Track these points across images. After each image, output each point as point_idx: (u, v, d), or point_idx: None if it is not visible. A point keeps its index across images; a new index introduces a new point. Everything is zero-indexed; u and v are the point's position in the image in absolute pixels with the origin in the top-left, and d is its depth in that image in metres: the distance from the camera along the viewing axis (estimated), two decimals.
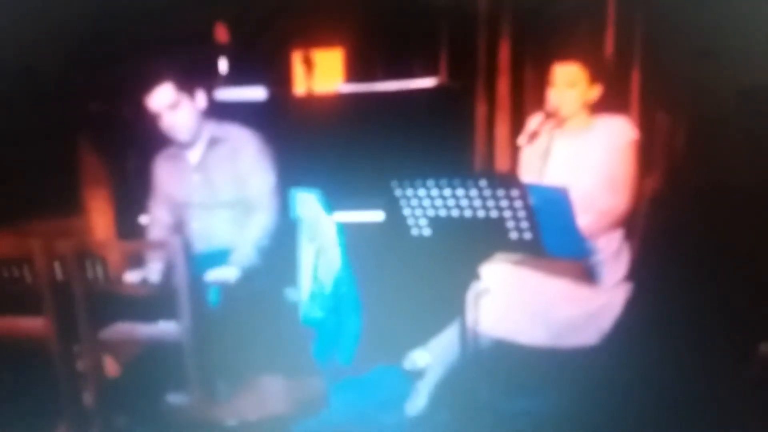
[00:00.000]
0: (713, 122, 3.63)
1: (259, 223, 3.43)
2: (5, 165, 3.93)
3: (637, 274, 3.33)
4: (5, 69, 3.90)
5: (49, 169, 4.20)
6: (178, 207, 3.62)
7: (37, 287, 2.84)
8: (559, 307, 3.15)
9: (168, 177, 3.63)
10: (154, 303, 2.85)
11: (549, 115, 3.24)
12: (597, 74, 3.29)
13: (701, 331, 3.34)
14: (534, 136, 3.20)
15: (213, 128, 3.52)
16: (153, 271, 3.34)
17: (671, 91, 3.80)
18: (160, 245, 3.35)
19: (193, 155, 3.54)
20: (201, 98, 3.47)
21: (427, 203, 2.74)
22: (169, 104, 3.38)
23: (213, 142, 3.50)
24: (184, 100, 3.40)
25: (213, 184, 3.51)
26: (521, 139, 3.23)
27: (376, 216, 4.01)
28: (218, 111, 3.60)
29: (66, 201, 4.42)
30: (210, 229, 3.54)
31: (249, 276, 3.34)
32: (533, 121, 3.32)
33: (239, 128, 3.55)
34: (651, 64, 3.89)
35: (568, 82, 3.26)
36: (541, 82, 3.38)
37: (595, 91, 3.30)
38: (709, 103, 3.62)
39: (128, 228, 4.45)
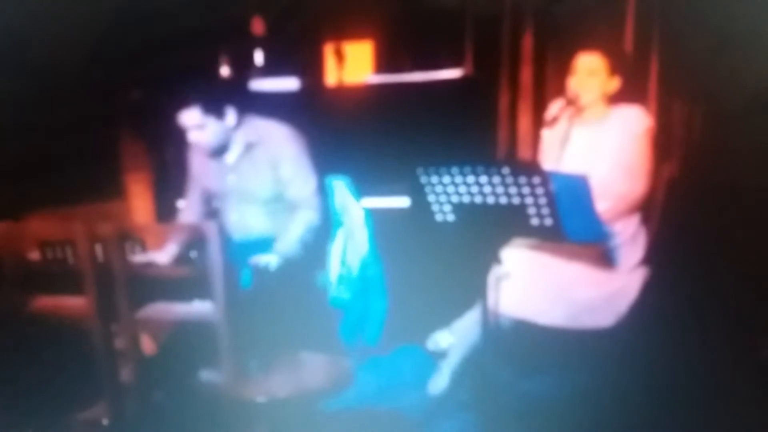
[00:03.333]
0: (731, 112, 3.56)
1: (304, 220, 3.35)
2: (51, 152, 3.94)
3: (653, 257, 3.31)
4: (50, 64, 3.91)
5: (92, 156, 4.20)
6: (214, 198, 3.56)
7: (79, 268, 2.85)
8: (577, 289, 3.15)
9: (203, 170, 3.55)
10: (190, 284, 2.85)
11: (569, 102, 3.22)
12: (617, 66, 3.28)
13: (717, 315, 3.31)
14: (554, 121, 3.18)
15: (248, 132, 3.39)
16: (165, 253, 3.32)
17: (689, 82, 3.75)
18: (197, 228, 3.26)
19: (229, 157, 3.43)
20: (231, 117, 3.35)
21: (451, 190, 2.71)
22: (195, 125, 3.30)
23: (249, 147, 3.38)
24: (211, 121, 3.30)
25: (250, 184, 3.42)
26: (543, 124, 3.26)
27: (402, 202, 3.96)
28: (253, 102, 3.56)
29: (108, 186, 4.44)
30: (247, 220, 3.47)
31: (291, 262, 3.31)
32: (554, 107, 3.31)
33: (276, 127, 3.42)
34: (670, 55, 3.84)
35: (589, 71, 3.26)
36: (563, 72, 3.37)
37: (615, 83, 3.29)
38: (727, 93, 3.54)
39: (167, 212, 4.46)
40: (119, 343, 2.91)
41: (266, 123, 3.44)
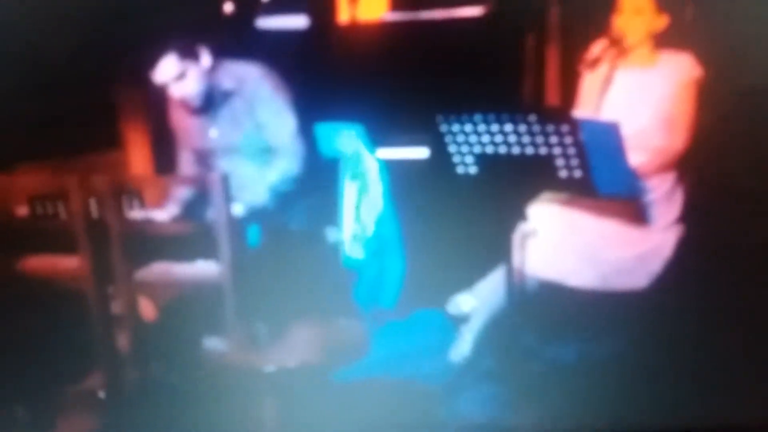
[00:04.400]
0: None
1: (279, 168, 3.45)
2: (40, 100, 3.91)
3: (689, 216, 3.39)
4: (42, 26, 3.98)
5: (85, 103, 4.13)
6: (203, 156, 3.64)
7: (72, 225, 2.93)
8: (608, 248, 3.26)
9: (185, 128, 3.66)
10: (193, 242, 2.96)
11: (613, 42, 3.32)
12: (664, 1, 3.36)
13: (754, 275, 3.37)
14: (596, 62, 3.29)
15: (224, 79, 3.51)
16: (167, 211, 3.41)
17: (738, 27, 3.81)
18: (199, 180, 3.45)
19: (208, 111, 3.56)
20: (206, 58, 3.46)
21: (474, 139, 2.83)
22: (175, 76, 3.40)
23: (224, 97, 3.50)
24: (191, 67, 3.41)
25: (233, 137, 3.52)
26: (583, 65, 3.32)
27: (421, 153, 4.02)
28: (259, 40, 3.70)
29: (102, 135, 4.36)
30: (239, 178, 3.50)
31: (287, 215, 3.40)
32: (596, 48, 3.39)
33: (251, 70, 3.52)
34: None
35: (635, 9, 3.34)
36: (598, 9, 3.43)
37: (662, 21, 3.37)
38: None
39: (167, 163, 4.55)
40: (116, 307, 2.99)
41: (240, 67, 3.54)
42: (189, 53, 3.40)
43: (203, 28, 3.77)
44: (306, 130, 3.55)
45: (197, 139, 3.61)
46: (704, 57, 3.40)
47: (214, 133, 3.55)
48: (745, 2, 3.64)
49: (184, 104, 3.53)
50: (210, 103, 3.50)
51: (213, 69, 3.47)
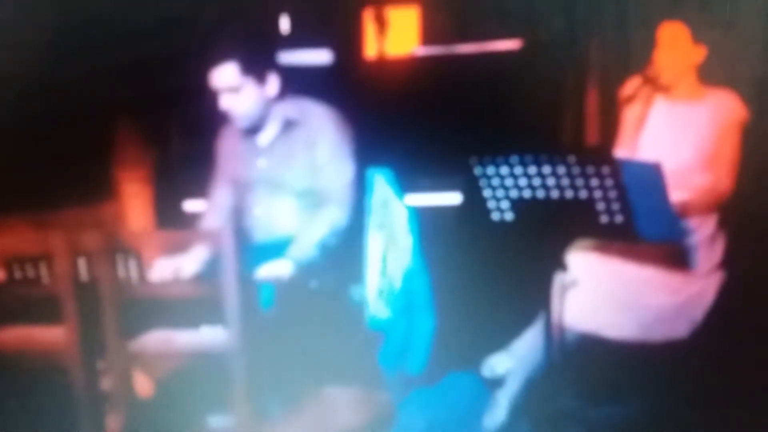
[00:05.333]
0: None
1: (329, 218, 3.47)
2: (26, 145, 3.98)
3: (732, 260, 3.47)
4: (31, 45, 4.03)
5: (76, 148, 4.18)
6: (242, 190, 3.68)
7: (57, 290, 2.86)
8: (650, 296, 3.36)
9: (232, 155, 3.70)
10: (197, 305, 2.90)
11: (647, 80, 3.46)
12: (700, 33, 3.49)
13: None
14: (630, 99, 3.44)
15: (289, 108, 3.56)
16: (191, 260, 3.38)
17: None
18: (207, 235, 3.44)
19: (263, 137, 3.59)
20: (273, 84, 3.51)
21: (510, 183, 2.91)
22: (230, 87, 3.45)
23: (288, 125, 3.55)
24: (249, 85, 3.46)
25: (282, 171, 3.56)
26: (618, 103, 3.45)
27: (453, 199, 4.05)
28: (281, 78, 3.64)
29: (95, 185, 4.40)
30: (274, 217, 3.60)
31: (308, 273, 3.38)
32: (630, 85, 3.52)
33: (318, 108, 3.58)
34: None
35: (670, 42, 3.48)
36: (640, 43, 3.61)
37: (700, 53, 3.51)
38: None
39: (169, 217, 4.56)
40: (106, 384, 2.93)
41: (308, 102, 3.61)
42: (253, 71, 3.46)
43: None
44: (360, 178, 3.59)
45: (241, 168, 3.66)
46: (747, 93, 3.50)
47: (263, 163, 3.60)
48: None
49: (232, 124, 3.57)
50: (262, 127, 3.56)
51: (278, 97, 3.53)
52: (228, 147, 3.72)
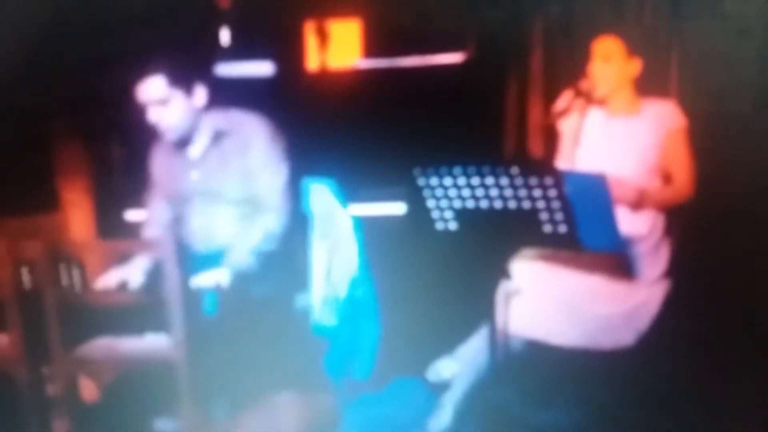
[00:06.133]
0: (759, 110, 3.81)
1: (264, 226, 3.49)
2: None
3: (677, 270, 3.53)
4: None
5: (17, 157, 4.19)
6: (178, 202, 3.68)
7: (1, 298, 2.85)
8: (594, 304, 3.40)
9: (165, 170, 3.70)
10: (141, 313, 2.92)
11: (579, 93, 3.48)
12: (634, 46, 3.55)
13: (745, 333, 3.52)
14: (562, 114, 3.47)
15: (218, 120, 3.56)
16: (135, 270, 3.39)
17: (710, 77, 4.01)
18: (149, 245, 3.43)
19: (194, 150, 3.59)
20: (200, 95, 3.52)
21: (454, 194, 2.94)
22: (157, 100, 3.43)
23: (218, 137, 3.56)
24: (177, 97, 3.45)
25: (216, 181, 3.57)
26: (551, 117, 3.50)
27: (397, 209, 4.18)
28: (217, 89, 3.63)
29: (36, 195, 4.39)
30: (212, 227, 3.60)
31: (250, 280, 3.40)
32: (563, 99, 3.55)
33: (247, 117, 3.59)
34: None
35: (604, 55, 3.54)
36: (582, 56, 3.62)
37: (635, 67, 3.57)
38: (752, 88, 3.80)
39: (111, 226, 4.54)
40: (52, 389, 2.93)
41: (237, 112, 3.61)
42: (181, 83, 3.45)
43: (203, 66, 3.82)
44: (293, 186, 3.60)
45: (175, 182, 3.66)
46: (686, 104, 3.58)
47: (196, 175, 3.61)
48: (720, 45, 3.84)
49: (162, 137, 3.57)
50: (191, 139, 3.56)
51: (205, 108, 3.54)
52: (160, 161, 3.73)
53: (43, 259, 2.82)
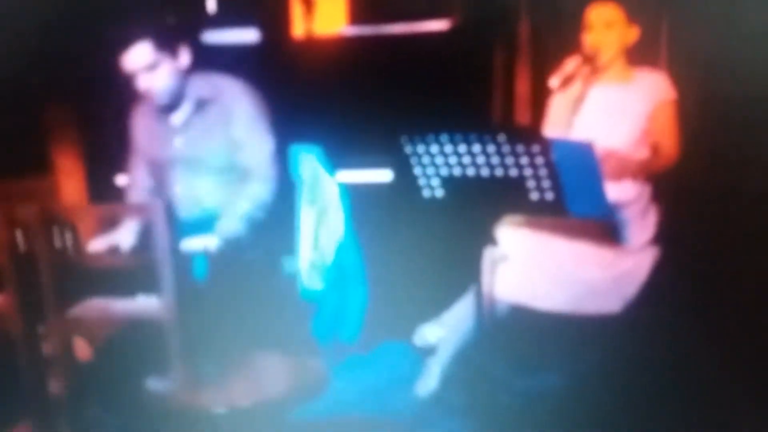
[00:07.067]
0: (750, 82, 3.80)
1: (252, 194, 3.50)
2: None
3: (664, 236, 3.55)
4: None
5: (11, 124, 4.22)
6: (160, 168, 3.69)
7: None
8: (581, 270, 3.41)
9: (147, 136, 3.71)
10: (132, 275, 2.91)
11: (586, 60, 3.49)
12: (634, 13, 3.55)
13: (732, 300, 3.53)
14: (569, 80, 3.45)
15: (200, 85, 3.57)
16: (126, 233, 3.45)
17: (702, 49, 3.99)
18: (139, 209, 3.45)
19: (177, 117, 3.60)
20: (185, 56, 3.52)
21: (440, 161, 2.91)
22: (146, 65, 3.44)
23: (201, 104, 3.56)
24: (165, 61, 3.46)
25: (200, 149, 3.57)
26: (553, 81, 3.46)
27: (384, 176, 4.07)
28: (204, 56, 3.65)
29: (30, 160, 4.45)
30: (196, 193, 3.61)
31: (239, 245, 3.41)
32: (569, 65, 3.51)
33: (231, 83, 3.59)
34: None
35: (606, 23, 3.54)
36: (568, 25, 3.63)
37: (633, 34, 3.57)
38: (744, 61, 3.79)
39: (102, 190, 4.60)
40: (47, 347, 2.93)
41: (220, 78, 3.61)
42: (166, 46, 3.45)
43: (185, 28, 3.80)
44: (281, 153, 3.60)
45: (158, 148, 3.66)
46: (678, 73, 3.57)
47: (180, 142, 3.61)
48: (718, 15, 3.83)
49: (149, 103, 3.58)
50: (178, 105, 3.57)
51: (189, 72, 3.54)
52: (143, 127, 3.73)
53: (37, 222, 2.82)
